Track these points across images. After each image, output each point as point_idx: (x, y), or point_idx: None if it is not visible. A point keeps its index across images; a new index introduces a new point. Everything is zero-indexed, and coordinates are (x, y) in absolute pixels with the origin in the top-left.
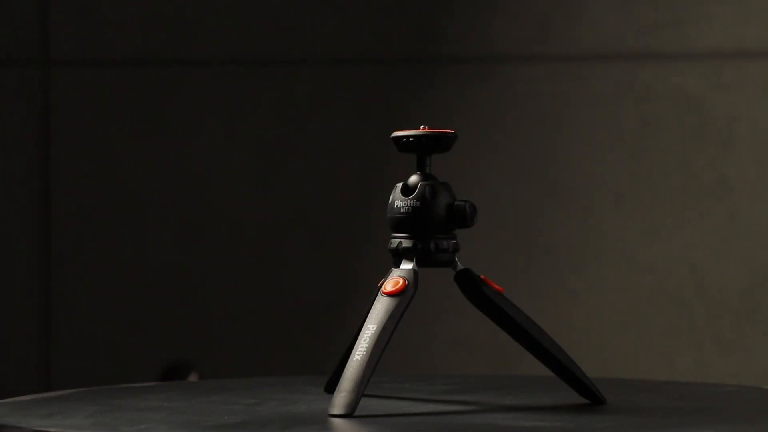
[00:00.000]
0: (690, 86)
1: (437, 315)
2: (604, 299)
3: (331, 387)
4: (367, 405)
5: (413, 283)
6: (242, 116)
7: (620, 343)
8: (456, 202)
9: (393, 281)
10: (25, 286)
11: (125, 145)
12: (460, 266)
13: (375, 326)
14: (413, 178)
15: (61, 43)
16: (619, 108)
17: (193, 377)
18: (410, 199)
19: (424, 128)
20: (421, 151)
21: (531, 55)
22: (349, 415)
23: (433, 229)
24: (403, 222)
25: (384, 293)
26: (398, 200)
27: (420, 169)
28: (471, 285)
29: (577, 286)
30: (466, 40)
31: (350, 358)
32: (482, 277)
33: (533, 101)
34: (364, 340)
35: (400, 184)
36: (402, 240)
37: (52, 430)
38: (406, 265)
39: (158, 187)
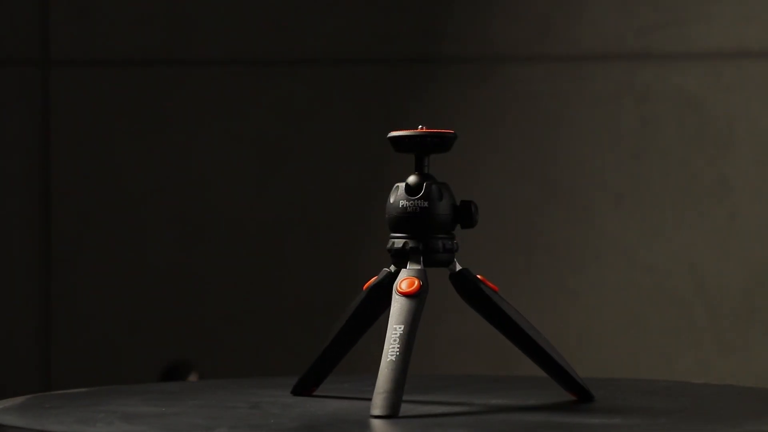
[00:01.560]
0: (690, 86)
1: (437, 315)
2: (604, 299)
3: (299, 389)
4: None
5: (426, 282)
6: (242, 116)
7: (620, 343)
8: (461, 201)
9: (408, 281)
10: (25, 286)
11: (125, 145)
12: (458, 266)
13: (402, 326)
14: (414, 179)
15: (61, 43)
16: (619, 108)
17: (193, 377)
18: (417, 199)
19: (422, 128)
20: (420, 151)
21: (531, 55)
22: (394, 415)
23: (437, 229)
24: (410, 222)
25: (400, 293)
26: (404, 200)
27: (418, 169)
28: (468, 284)
29: (577, 286)
30: (466, 40)
31: (383, 358)
32: (479, 276)
33: (533, 101)
34: (395, 341)
35: (402, 185)
36: (408, 240)
37: None
38: (415, 265)
39: (158, 187)
